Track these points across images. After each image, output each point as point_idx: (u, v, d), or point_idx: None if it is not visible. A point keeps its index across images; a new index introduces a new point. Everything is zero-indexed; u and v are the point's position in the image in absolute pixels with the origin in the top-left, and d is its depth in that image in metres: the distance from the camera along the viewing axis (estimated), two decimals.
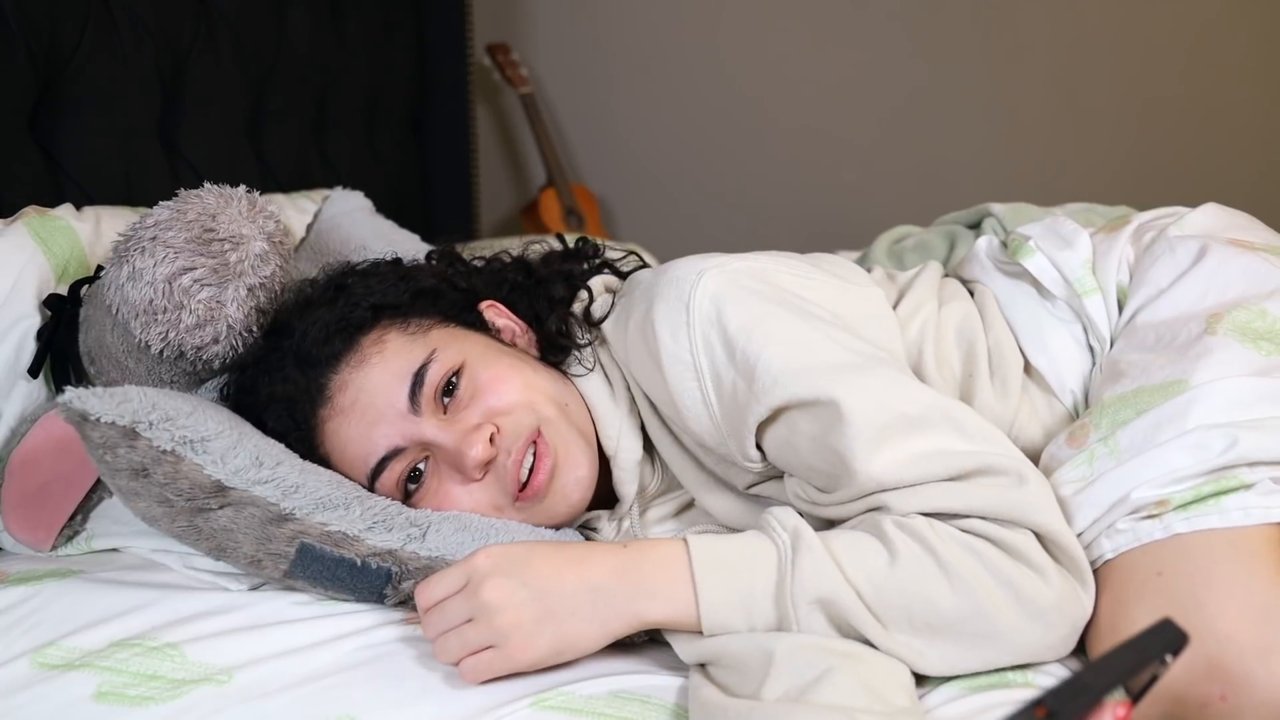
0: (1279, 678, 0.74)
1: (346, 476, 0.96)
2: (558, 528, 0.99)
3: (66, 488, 1.01)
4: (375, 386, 0.95)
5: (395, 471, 0.95)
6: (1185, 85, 2.58)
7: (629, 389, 1.00)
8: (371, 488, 0.96)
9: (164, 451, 0.87)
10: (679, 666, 0.85)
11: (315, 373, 0.96)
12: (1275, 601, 0.76)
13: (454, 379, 0.95)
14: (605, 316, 1.01)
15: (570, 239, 1.16)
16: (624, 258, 1.13)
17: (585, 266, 1.11)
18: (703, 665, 0.82)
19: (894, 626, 0.78)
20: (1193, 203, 1.08)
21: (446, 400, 0.95)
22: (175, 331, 0.98)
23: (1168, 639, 0.61)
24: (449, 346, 0.97)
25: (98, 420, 0.87)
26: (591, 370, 1.01)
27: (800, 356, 0.87)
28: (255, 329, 1.01)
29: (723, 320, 0.89)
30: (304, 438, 0.97)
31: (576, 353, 1.02)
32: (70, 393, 0.88)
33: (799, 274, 0.97)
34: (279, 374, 0.97)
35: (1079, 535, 0.83)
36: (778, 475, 0.94)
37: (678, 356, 0.90)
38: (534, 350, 1.04)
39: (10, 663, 0.85)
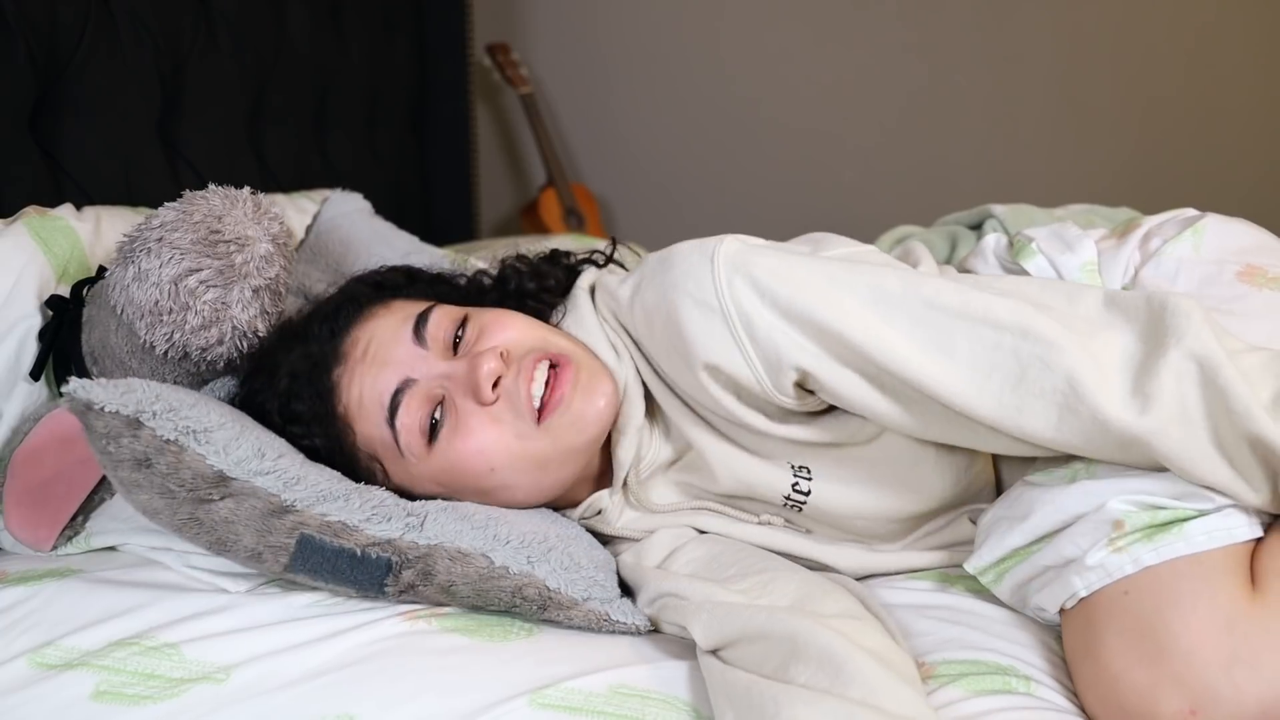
0: (1243, 689, 0.73)
1: (367, 438, 0.95)
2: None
3: (69, 487, 1.01)
4: (383, 334, 0.96)
5: (412, 409, 0.93)
6: (1185, 86, 2.58)
7: (632, 356, 0.99)
8: (394, 434, 0.93)
9: (167, 441, 0.87)
10: (679, 659, 0.86)
11: (331, 344, 0.97)
12: (1239, 613, 0.75)
13: (460, 330, 0.96)
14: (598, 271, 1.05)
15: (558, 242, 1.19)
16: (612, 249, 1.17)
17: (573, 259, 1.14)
18: (715, 651, 0.82)
19: None
20: (1194, 203, 1.08)
21: (456, 347, 0.97)
22: (180, 332, 0.98)
23: None
24: (450, 304, 1.00)
25: (102, 409, 0.87)
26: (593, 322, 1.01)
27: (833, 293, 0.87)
28: (260, 330, 1.01)
29: (750, 268, 0.89)
30: (322, 412, 0.95)
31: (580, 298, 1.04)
32: (75, 382, 0.88)
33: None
34: (299, 348, 0.98)
35: (1050, 533, 0.84)
36: (819, 411, 0.94)
37: (704, 302, 0.89)
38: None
39: (8, 663, 0.85)
